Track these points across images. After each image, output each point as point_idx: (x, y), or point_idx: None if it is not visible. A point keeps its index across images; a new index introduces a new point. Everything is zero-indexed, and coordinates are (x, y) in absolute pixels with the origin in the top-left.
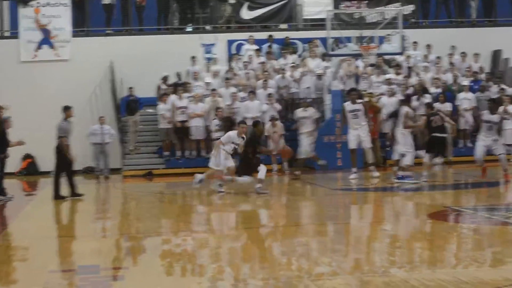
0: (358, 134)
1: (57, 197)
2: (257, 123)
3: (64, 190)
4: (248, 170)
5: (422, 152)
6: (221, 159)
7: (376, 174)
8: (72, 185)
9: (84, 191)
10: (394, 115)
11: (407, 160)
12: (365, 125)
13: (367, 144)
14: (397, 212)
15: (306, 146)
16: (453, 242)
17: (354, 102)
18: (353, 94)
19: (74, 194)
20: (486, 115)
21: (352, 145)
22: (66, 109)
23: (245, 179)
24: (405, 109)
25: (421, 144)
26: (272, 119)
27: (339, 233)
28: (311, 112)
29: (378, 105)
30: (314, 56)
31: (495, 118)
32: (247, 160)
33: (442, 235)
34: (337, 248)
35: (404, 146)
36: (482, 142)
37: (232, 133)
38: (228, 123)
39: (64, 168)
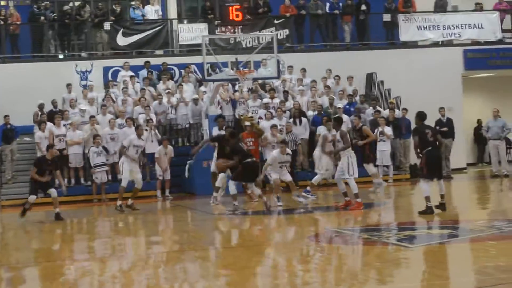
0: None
1: None
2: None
3: None
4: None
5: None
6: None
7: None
8: None
9: None
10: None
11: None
12: None
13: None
14: (277, 235)
15: (139, 177)
16: (333, 263)
17: (221, 128)
18: (220, 120)
19: None
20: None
21: (213, 168)
22: None
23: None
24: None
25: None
26: (165, 139)
27: (219, 258)
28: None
29: (261, 129)
30: (187, 82)
31: (337, 135)
32: None
33: (322, 257)
34: (218, 273)
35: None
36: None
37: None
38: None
39: None
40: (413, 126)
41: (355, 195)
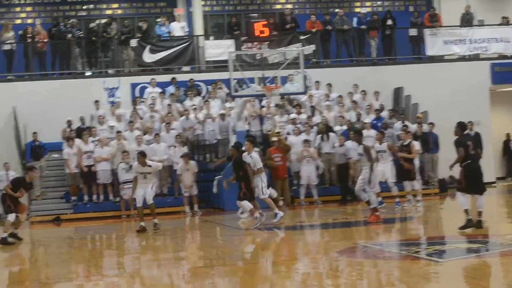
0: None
1: None
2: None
3: None
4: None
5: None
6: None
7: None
8: None
9: None
10: None
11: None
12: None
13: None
14: (306, 250)
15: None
16: (364, 278)
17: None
18: (247, 143)
19: None
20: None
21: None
22: None
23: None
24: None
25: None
26: (185, 156)
27: (250, 273)
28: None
29: (288, 144)
30: (214, 97)
31: (359, 149)
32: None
33: (352, 272)
34: None
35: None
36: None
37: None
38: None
39: None
40: (442, 140)
41: (373, 210)
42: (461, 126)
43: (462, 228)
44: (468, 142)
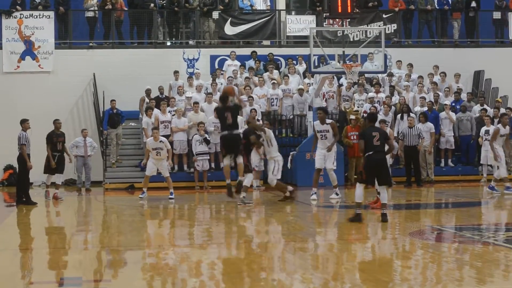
0: (324, 154)
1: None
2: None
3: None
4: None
5: None
6: None
7: (334, 196)
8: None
9: (66, 203)
10: None
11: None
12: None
13: (328, 164)
14: (378, 231)
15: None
16: (434, 261)
17: (322, 123)
18: (320, 113)
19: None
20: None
21: (318, 164)
22: (23, 121)
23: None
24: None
25: None
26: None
27: (317, 250)
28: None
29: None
30: (293, 73)
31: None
32: None
33: (422, 254)
34: (317, 265)
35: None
36: None
37: None
38: None
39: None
40: None
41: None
42: (369, 117)
43: (351, 220)
44: (374, 133)
